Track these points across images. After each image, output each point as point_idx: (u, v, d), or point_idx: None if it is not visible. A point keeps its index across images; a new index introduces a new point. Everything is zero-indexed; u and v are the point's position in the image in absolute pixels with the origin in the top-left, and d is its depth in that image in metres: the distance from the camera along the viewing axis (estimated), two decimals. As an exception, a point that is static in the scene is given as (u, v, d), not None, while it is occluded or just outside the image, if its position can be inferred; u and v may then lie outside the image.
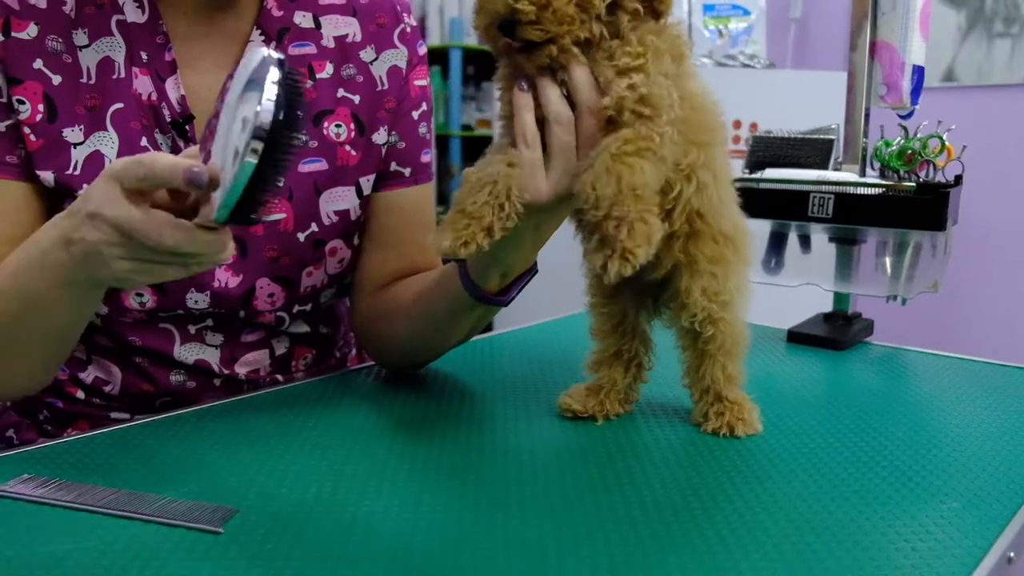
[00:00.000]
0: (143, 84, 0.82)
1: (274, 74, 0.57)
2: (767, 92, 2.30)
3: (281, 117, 0.56)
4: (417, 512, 0.60)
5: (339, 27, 0.92)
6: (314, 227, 0.89)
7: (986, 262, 2.59)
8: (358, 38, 0.92)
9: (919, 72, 1.10)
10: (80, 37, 0.80)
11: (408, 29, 0.96)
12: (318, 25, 0.91)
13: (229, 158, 0.57)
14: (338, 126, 0.90)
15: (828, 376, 0.99)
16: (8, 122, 0.78)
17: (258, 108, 0.56)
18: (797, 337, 1.12)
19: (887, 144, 1.08)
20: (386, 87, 0.93)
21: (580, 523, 0.59)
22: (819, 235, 1.13)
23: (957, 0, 2.61)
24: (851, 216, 1.05)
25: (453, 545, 0.56)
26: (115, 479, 0.65)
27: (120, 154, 0.80)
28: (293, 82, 0.58)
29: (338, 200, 0.90)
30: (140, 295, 0.83)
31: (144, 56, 0.82)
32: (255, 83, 0.57)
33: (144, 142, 0.81)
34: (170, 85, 0.83)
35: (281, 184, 0.59)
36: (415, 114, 0.96)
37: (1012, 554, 0.59)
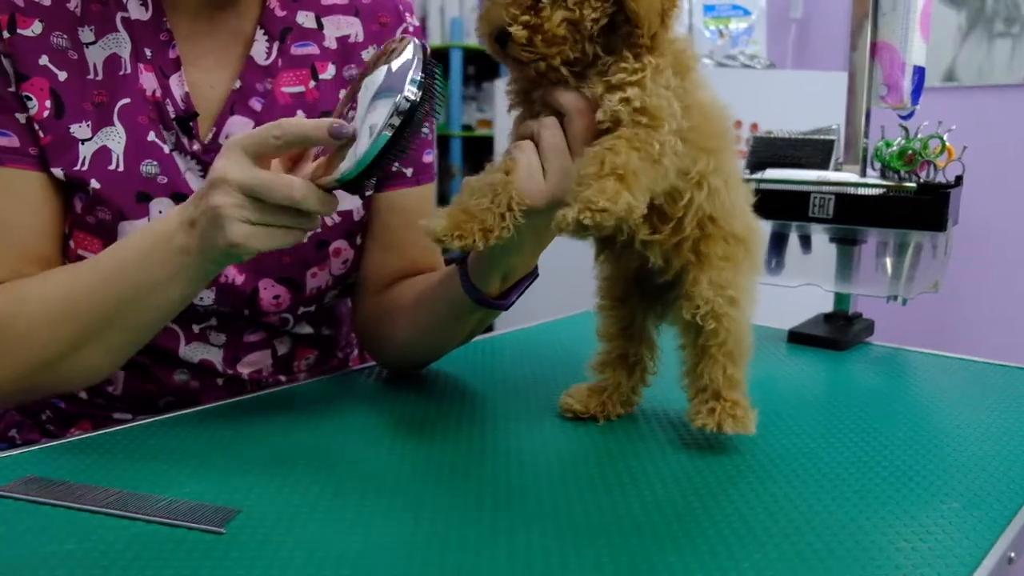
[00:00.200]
0: (148, 80, 0.82)
1: (420, 63, 0.65)
2: (767, 92, 2.29)
3: (420, 100, 0.64)
4: (419, 512, 0.61)
5: (341, 27, 0.92)
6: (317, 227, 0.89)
7: (986, 262, 2.59)
8: (360, 38, 0.93)
9: (920, 72, 1.10)
10: (86, 34, 0.81)
11: (411, 29, 0.96)
12: (320, 26, 0.91)
13: (364, 130, 0.65)
14: None
15: (829, 376, 0.99)
16: (26, 114, 0.79)
17: (403, 91, 0.64)
18: (798, 337, 1.12)
19: (888, 144, 1.08)
20: None
21: (582, 523, 0.59)
22: (820, 235, 1.13)
23: (958, 0, 2.61)
24: (852, 216, 1.05)
25: (454, 545, 0.56)
26: (117, 479, 0.65)
27: (128, 149, 0.81)
28: (432, 74, 0.65)
29: (340, 201, 0.90)
30: None
31: (148, 53, 0.83)
32: (405, 68, 0.64)
33: (152, 136, 0.82)
34: (174, 82, 0.83)
35: (395, 165, 0.68)
36: None
37: (1013, 554, 0.59)
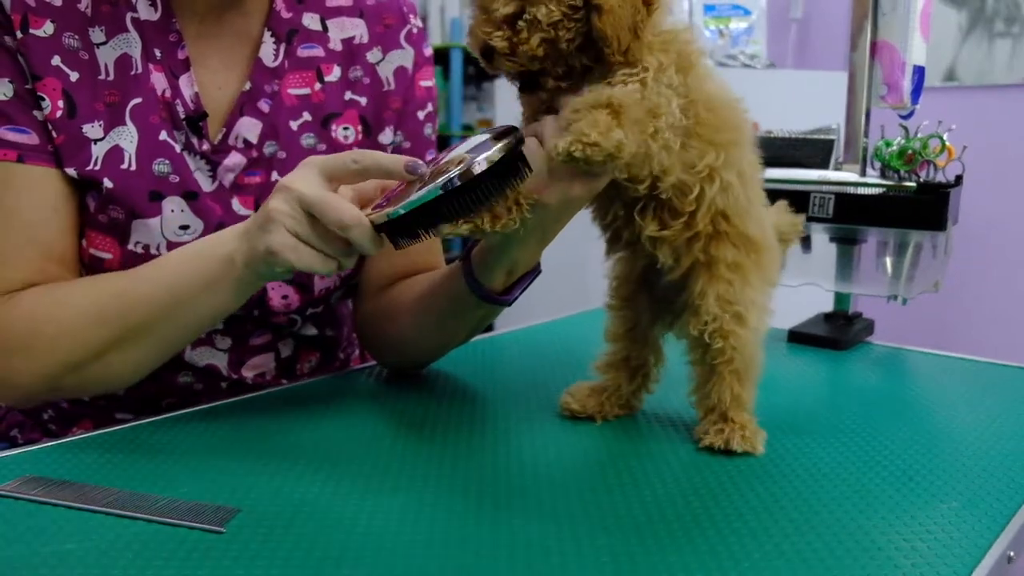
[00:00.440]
0: (159, 80, 0.83)
1: (508, 150, 0.65)
2: (768, 92, 2.29)
3: (484, 177, 0.64)
4: (419, 512, 0.61)
5: (346, 29, 0.92)
6: None
7: (986, 262, 2.59)
8: (365, 39, 0.93)
9: (919, 72, 1.10)
10: (97, 35, 0.81)
11: (415, 30, 0.96)
12: (325, 28, 0.91)
13: (430, 182, 0.65)
14: (346, 129, 0.91)
15: (829, 376, 0.99)
16: (42, 112, 0.79)
17: (476, 159, 0.64)
18: (798, 337, 1.12)
19: (887, 144, 1.08)
20: (392, 88, 0.93)
21: (582, 523, 0.59)
22: (820, 235, 1.13)
23: (958, 0, 2.61)
24: (852, 216, 1.05)
25: (455, 545, 0.56)
26: (117, 479, 0.65)
27: (140, 148, 0.81)
28: (517, 170, 0.66)
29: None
30: None
31: (158, 53, 0.83)
32: (491, 145, 0.65)
33: (163, 135, 0.82)
34: (183, 82, 0.84)
35: (440, 232, 0.67)
36: (420, 114, 0.96)
37: (1012, 553, 0.59)
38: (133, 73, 0.82)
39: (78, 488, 0.63)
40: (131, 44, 0.82)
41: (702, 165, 0.69)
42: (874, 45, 1.10)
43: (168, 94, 0.83)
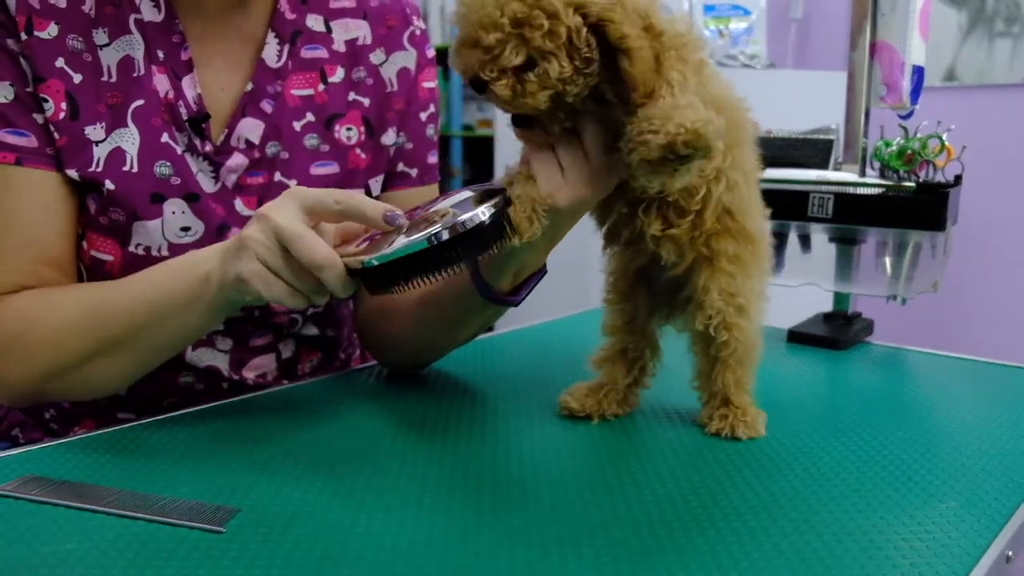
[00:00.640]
0: (161, 82, 0.83)
1: (492, 208, 0.65)
2: (767, 92, 2.29)
3: (467, 237, 0.64)
4: (419, 511, 0.61)
5: (349, 30, 0.92)
6: None
7: (986, 262, 2.59)
8: (368, 40, 0.93)
9: (919, 72, 1.10)
10: (100, 36, 0.81)
11: (417, 32, 0.96)
12: (329, 29, 0.91)
13: (414, 233, 0.65)
14: (349, 129, 0.91)
15: (828, 376, 0.99)
16: (43, 115, 0.79)
17: (463, 216, 0.64)
18: (797, 337, 1.12)
19: (887, 144, 1.08)
20: (395, 89, 0.94)
21: (582, 522, 0.59)
22: (819, 235, 1.13)
23: (958, 0, 2.61)
24: (851, 216, 1.05)
25: (455, 544, 0.56)
26: (117, 479, 0.65)
27: (141, 150, 0.81)
28: (500, 233, 0.66)
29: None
30: None
31: (161, 55, 0.83)
32: (473, 201, 0.65)
33: (165, 137, 0.82)
34: (186, 84, 0.84)
35: (421, 285, 0.67)
36: (423, 115, 0.96)
37: (1010, 553, 0.59)
38: (135, 75, 0.82)
39: (79, 488, 0.63)
40: (134, 46, 0.82)
41: (711, 167, 0.69)
42: (873, 45, 1.10)
43: (171, 95, 0.83)
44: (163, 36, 0.83)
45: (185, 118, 0.83)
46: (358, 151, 0.91)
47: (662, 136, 0.61)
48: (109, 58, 0.81)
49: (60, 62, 0.79)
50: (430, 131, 0.97)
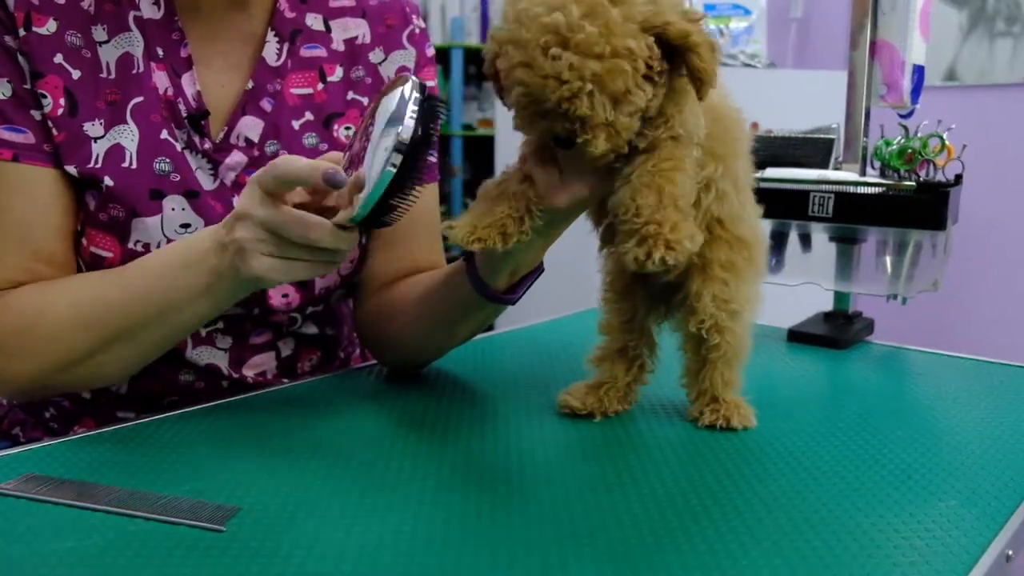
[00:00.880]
0: (160, 79, 0.83)
1: (417, 99, 0.65)
2: (768, 92, 2.29)
3: (419, 135, 0.65)
4: (419, 510, 0.61)
5: (348, 29, 0.92)
6: None
7: (986, 261, 2.59)
8: (367, 40, 0.93)
9: (919, 71, 1.10)
10: (99, 33, 0.81)
11: (417, 31, 0.96)
12: (328, 28, 0.92)
13: (373, 168, 0.65)
14: (348, 128, 0.91)
15: (828, 375, 0.99)
16: (41, 111, 0.79)
17: (401, 127, 0.64)
18: (797, 336, 1.12)
19: (887, 143, 1.08)
20: None
21: (581, 521, 0.59)
22: (819, 234, 1.13)
23: (959, 0, 2.61)
24: (851, 215, 1.05)
25: (454, 543, 0.56)
26: (118, 477, 0.65)
27: (140, 146, 0.81)
28: (432, 107, 0.66)
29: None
30: None
31: (160, 52, 0.83)
32: (402, 105, 0.65)
33: (164, 134, 0.82)
34: (186, 81, 0.84)
35: (413, 196, 0.68)
36: None
37: (1011, 552, 0.59)
38: (134, 72, 0.82)
39: (79, 486, 0.63)
40: (133, 43, 0.82)
41: (701, 176, 0.70)
42: (874, 44, 1.10)
43: (170, 92, 0.83)
44: (162, 33, 0.83)
45: (184, 115, 0.83)
46: None
47: (631, 257, 0.63)
48: (108, 55, 0.81)
49: (59, 58, 0.79)
50: (432, 157, 0.97)
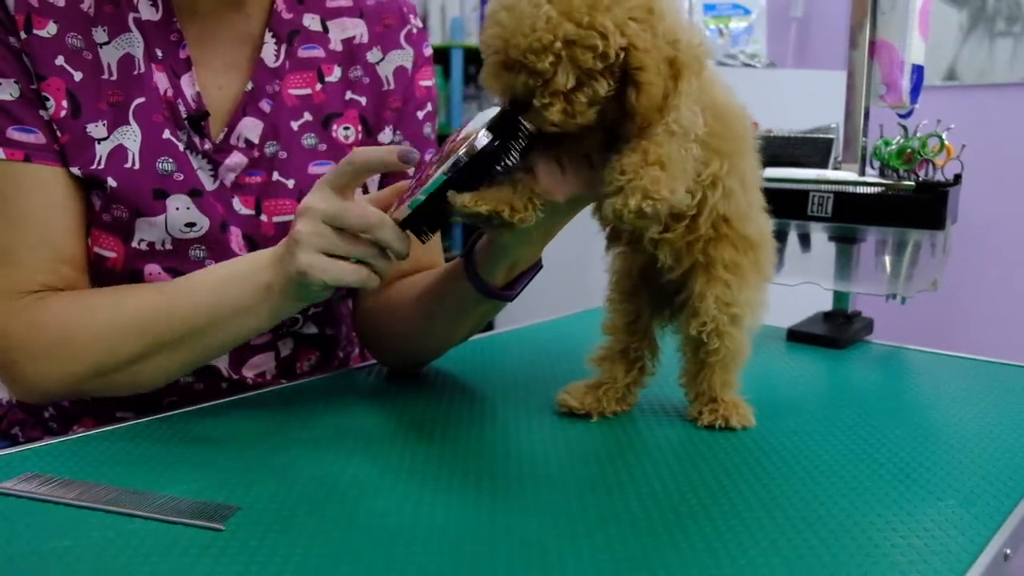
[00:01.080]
0: (161, 80, 0.83)
1: (492, 122, 0.67)
2: (767, 91, 2.29)
3: (489, 149, 0.66)
4: (418, 509, 0.61)
5: (346, 29, 0.92)
6: None
7: (985, 261, 2.59)
8: (365, 39, 0.93)
9: (918, 71, 1.10)
10: (99, 34, 0.81)
11: (414, 30, 0.96)
12: (325, 29, 0.92)
13: (439, 170, 0.68)
14: (346, 128, 0.91)
15: (827, 374, 0.99)
16: (47, 112, 0.79)
17: (473, 139, 0.66)
18: (797, 336, 1.12)
19: (886, 143, 1.08)
20: (392, 87, 0.94)
21: (580, 520, 0.59)
22: (819, 234, 1.14)
23: (958, -1, 2.61)
24: (850, 215, 1.05)
25: (453, 542, 0.56)
26: (117, 477, 0.66)
27: (143, 147, 0.81)
28: (515, 129, 0.67)
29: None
30: None
31: (159, 53, 0.83)
32: (480, 121, 0.67)
33: (167, 134, 0.82)
34: (185, 82, 0.84)
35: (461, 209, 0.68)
36: (420, 114, 0.96)
37: (1008, 551, 0.59)
38: (136, 73, 0.82)
39: (78, 486, 0.63)
40: (133, 44, 0.82)
41: (707, 174, 0.70)
42: (873, 44, 1.10)
43: (170, 93, 0.83)
44: (161, 35, 0.84)
45: (184, 116, 0.84)
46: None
47: (609, 207, 0.64)
48: (109, 56, 0.82)
49: (60, 60, 0.79)
50: (427, 130, 0.97)
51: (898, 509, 0.62)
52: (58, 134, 0.79)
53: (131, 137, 0.81)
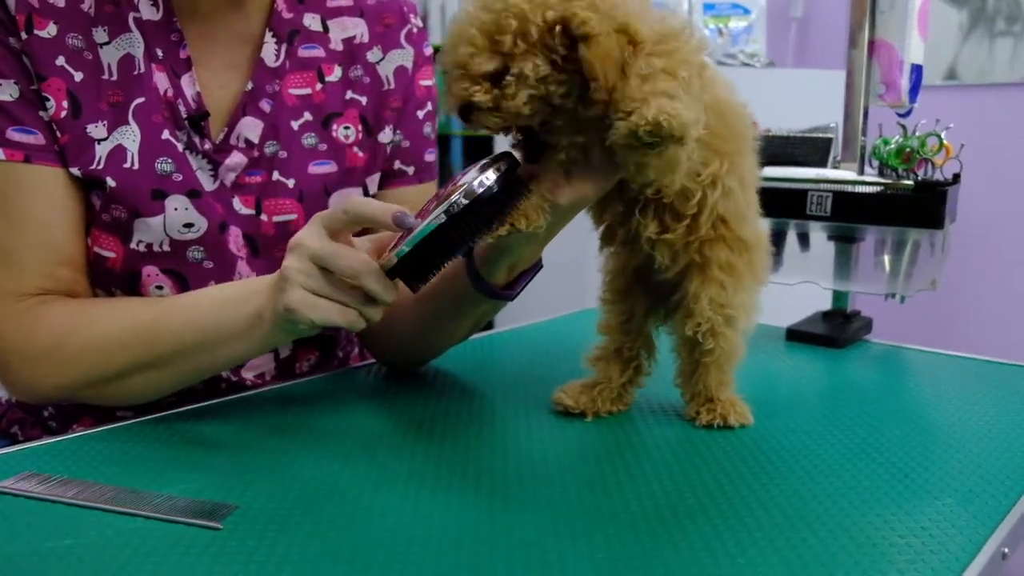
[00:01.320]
0: (161, 80, 0.83)
1: (500, 169, 0.66)
2: (767, 91, 2.29)
3: (484, 198, 0.65)
4: (416, 509, 0.61)
5: (346, 29, 0.92)
6: None
7: (984, 260, 2.59)
8: (365, 39, 0.93)
9: (917, 71, 1.10)
10: (100, 35, 0.81)
11: (415, 30, 0.96)
12: (326, 28, 0.92)
13: (432, 216, 0.65)
14: (347, 128, 0.91)
15: (826, 374, 0.99)
16: (47, 113, 0.79)
17: (470, 184, 0.64)
18: (796, 335, 1.12)
19: (885, 142, 1.08)
20: (392, 87, 0.94)
21: (579, 520, 0.59)
22: (818, 233, 1.13)
23: (958, -1, 2.61)
24: (849, 214, 1.06)
25: (452, 542, 0.56)
26: (116, 476, 0.66)
27: (142, 147, 0.81)
28: (515, 185, 0.67)
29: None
30: (160, 287, 0.84)
31: (160, 53, 0.83)
32: (483, 170, 0.66)
33: (166, 135, 0.82)
34: (185, 82, 0.84)
35: (453, 259, 0.68)
36: (420, 113, 0.96)
37: (1006, 549, 0.59)
38: (136, 73, 0.82)
39: (77, 485, 0.63)
40: (134, 44, 0.82)
41: (707, 173, 0.70)
42: (872, 43, 1.10)
43: (170, 93, 0.83)
44: (161, 34, 0.84)
45: (184, 116, 0.84)
46: (355, 150, 0.92)
47: (623, 126, 0.62)
48: (109, 56, 0.82)
49: (60, 60, 0.79)
50: (427, 129, 0.97)
51: (896, 508, 0.62)
52: (58, 135, 0.79)
53: (130, 137, 0.81)
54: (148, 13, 0.83)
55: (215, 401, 0.84)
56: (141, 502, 0.60)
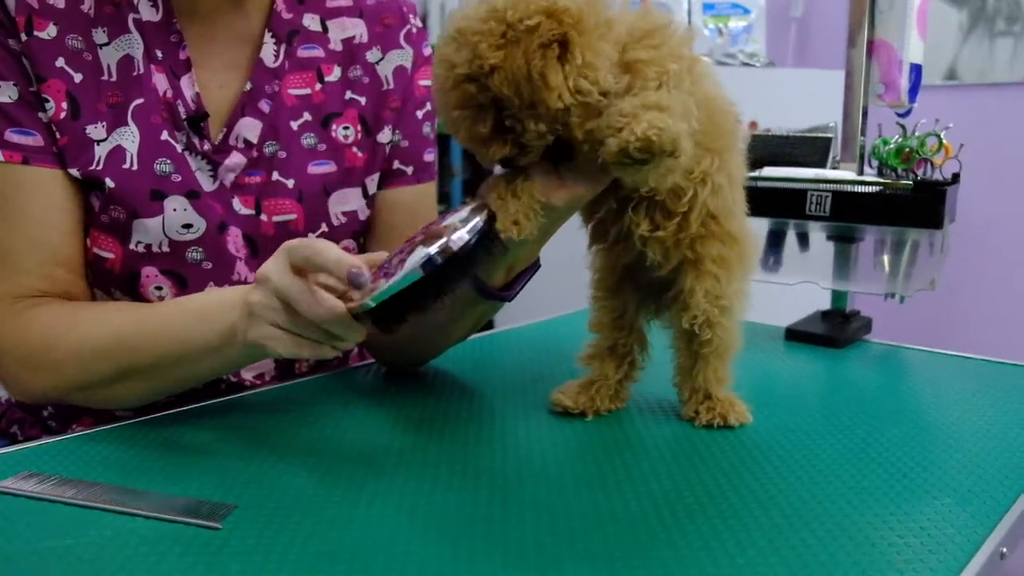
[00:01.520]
0: (160, 81, 0.83)
1: (475, 227, 0.65)
2: (767, 91, 2.29)
3: (463, 254, 0.64)
4: (415, 509, 0.61)
5: (346, 29, 0.93)
6: (324, 228, 0.90)
7: (984, 260, 2.59)
8: (364, 39, 0.93)
9: (917, 70, 1.10)
10: (99, 35, 0.81)
11: (414, 30, 0.97)
12: (325, 28, 0.92)
13: (406, 265, 0.64)
14: (346, 128, 0.91)
15: (826, 374, 0.99)
16: (46, 114, 0.80)
17: (449, 238, 0.64)
18: (795, 335, 1.12)
19: (885, 142, 1.08)
20: (391, 87, 0.94)
21: (577, 519, 0.60)
22: (817, 233, 1.14)
23: (958, -1, 2.61)
24: (849, 214, 1.06)
25: (451, 541, 0.56)
26: (115, 475, 0.66)
27: (141, 148, 0.81)
28: (489, 242, 0.66)
29: (346, 201, 0.91)
30: (160, 288, 0.84)
31: (159, 54, 0.83)
32: (464, 222, 0.65)
33: (165, 136, 0.82)
34: (185, 83, 0.84)
35: (426, 311, 0.66)
36: (419, 113, 0.96)
37: (1004, 549, 0.59)
38: (135, 74, 0.82)
39: (76, 484, 0.63)
40: (133, 45, 0.82)
41: (698, 171, 0.70)
42: (871, 43, 1.10)
43: (169, 94, 0.83)
44: (161, 35, 0.84)
45: (184, 117, 0.84)
46: (355, 150, 0.92)
47: (614, 143, 0.63)
48: (109, 57, 0.82)
49: (60, 62, 0.79)
50: (426, 129, 0.97)
51: (895, 508, 0.62)
52: (57, 136, 0.79)
53: (129, 138, 0.81)
54: (148, 14, 0.83)
55: (215, 401, 0.84)
56: (141, 502, 0.60)
